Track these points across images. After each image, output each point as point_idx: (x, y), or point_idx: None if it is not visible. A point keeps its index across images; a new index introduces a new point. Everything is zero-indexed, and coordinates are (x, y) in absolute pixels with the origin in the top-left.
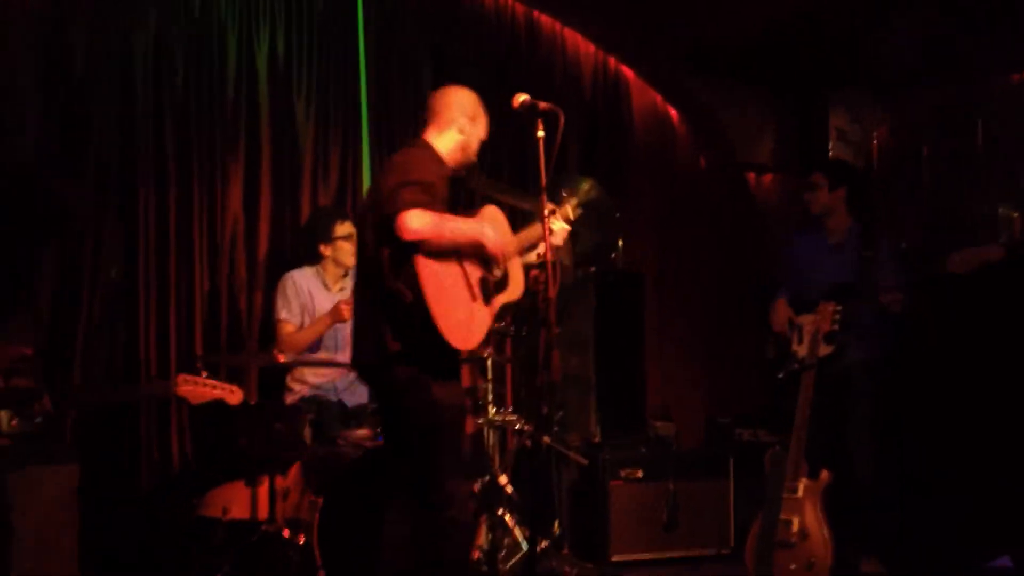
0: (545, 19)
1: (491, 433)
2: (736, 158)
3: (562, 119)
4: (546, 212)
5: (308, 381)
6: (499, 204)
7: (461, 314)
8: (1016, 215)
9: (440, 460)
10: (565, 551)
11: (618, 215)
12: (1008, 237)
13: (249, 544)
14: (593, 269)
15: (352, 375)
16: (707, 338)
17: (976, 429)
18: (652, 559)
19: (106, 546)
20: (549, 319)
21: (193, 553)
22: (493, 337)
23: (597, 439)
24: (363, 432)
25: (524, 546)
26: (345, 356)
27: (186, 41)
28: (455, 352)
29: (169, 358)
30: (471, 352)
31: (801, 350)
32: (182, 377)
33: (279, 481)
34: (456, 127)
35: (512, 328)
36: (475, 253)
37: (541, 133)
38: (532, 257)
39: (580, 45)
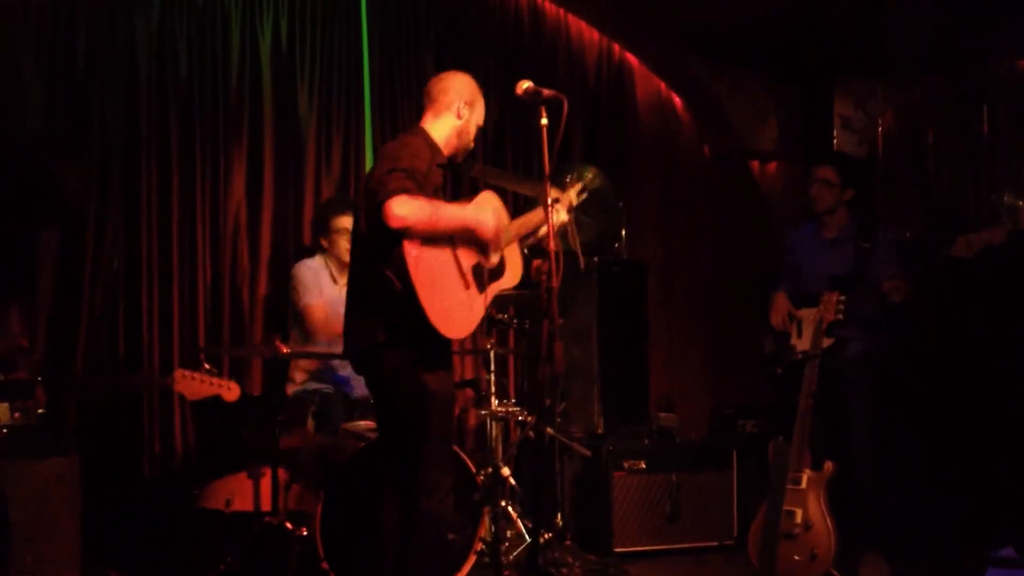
0: (549, 6)
1: (494, 425)
2: (740, 146)
3: (566, 106)
4: (549, 200)
5: (311, 371)
6: (500, 190)
7: (452, 301)
8: (1021, 203)
9: (424, 448)
10: (568, 542)
11: (621, 204)
12: (1012, 224)
13: (252, 536)
14: (596, 259)
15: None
16: (710, 328)
17: (976, 422)
18: (655, 550)
19: (108, 538)
20: (552, 310)
21: (196, 545)
22: (495, 328)
23: (600, 430)
24: (366, 423)
25: (527, 537)
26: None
27: (189, 29)
28: (445, 340)
29: (172, 348)
30: (463, 340)
31: (801, 344)
32: (180, 373)
33: (282, 473)
34: (453, 112)
35: (515, 319)
36: (469, 239)
37: (544, 121)
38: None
39: (584, 33)
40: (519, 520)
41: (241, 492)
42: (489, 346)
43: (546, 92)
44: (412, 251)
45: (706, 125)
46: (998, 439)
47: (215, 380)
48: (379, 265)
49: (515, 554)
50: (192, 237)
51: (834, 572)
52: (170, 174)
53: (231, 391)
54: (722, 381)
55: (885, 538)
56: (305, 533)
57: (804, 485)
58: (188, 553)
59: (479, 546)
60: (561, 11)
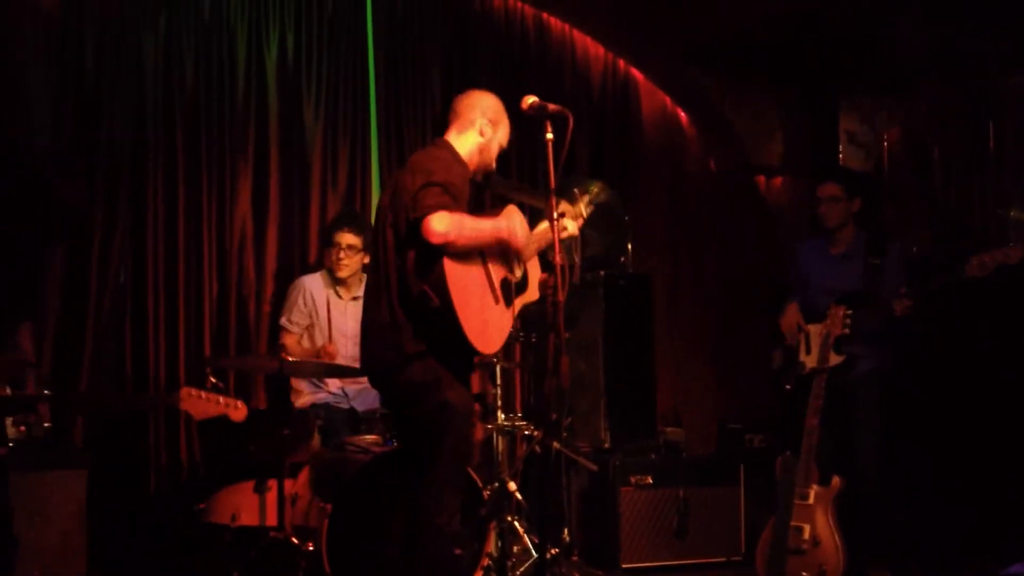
0: (555, 21)
1: (500, 439)
2: (746, 161)
3: (571, 121)
4: (555, 214)
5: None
6: (514, 203)
7: (485, 316)
8: None
9: (441, 462)
10: (575, 558)
11: (627, 218)
12: (1020, 238)
13: (257, 551)
14: (602, 273)
15: (363, 381)
16: (717, 342)
17: (983, 438)
18: (662, 566)
19: (114, 552)
20: (558, 324)
21: (201, 560)
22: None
23: (607, 445)
24: (372, 437)
25: (534, 553)
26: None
27: (196, 43)
28: (473, 355)
29: (178, 361)
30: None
31: (809, 360)
32: (186, 391)
33: (287, 487)
34: (476, 129)
35: (521, 333)
36: (498, 254)
37: (550, 135)
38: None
39: (590, 47)
40: (526, 535)
41: (247, 506)
42: (495, 360)
43: (551, 107)
44: (452, 267)
45: (712, 139)
46: (1006, 453)
47: (222, 399)
48: (413, 280)
49: (522, 570)
50: (198, 251)
51: None
52: (176, 188)
53: (238, 411)
54: (729, 395)
55: (893, 554)
56: (311, 548)
57: (812, 501)
58: (194, 568)
59: (485, 561)
60: (567, 26)
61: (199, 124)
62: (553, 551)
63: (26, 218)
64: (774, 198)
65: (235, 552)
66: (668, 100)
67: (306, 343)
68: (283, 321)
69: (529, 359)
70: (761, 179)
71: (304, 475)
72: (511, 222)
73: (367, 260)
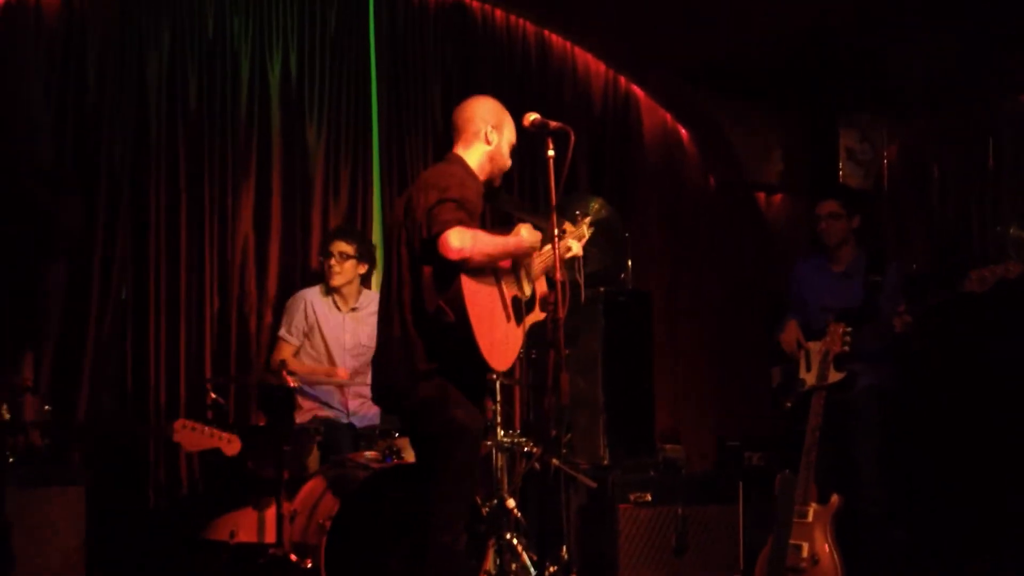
0: (556, 38)
1: (499, 456)
2: (746, 178)
3: (573, 138)
4: (556, 232)
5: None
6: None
7: (499, 334)
8: None
9: (449, 480)
10: (573, 575)
11: (627, 234)
12: (1018, 257)
13: (256, 568)
14: (602, 289)
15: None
16: (716, 359)
17: (984, 453)
18: None
19: (113, 568)
20: (558, 340)
21: None
22: None
23: (606, 462)
24: (371, 453)
25: (532, 570)
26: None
27: (199, 62)
28: (486, 372)
29: (179, 378)
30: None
31: (809, 378)
32: (180, 423)
33: (286, 504)
34: (481, 139)
35: (521, 350)
36: (508, 271)
37: (551, 152)
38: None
39: (591, 64)
40: (524, 552)
41: (246, 524)
42: (495, 376)
43: (553, 124)
44: (468, 283)
45: (712, 157)
46: (1006, 468)
47: (216, 432)
48: (429, 296)
49: None
50: (200, 268)
51: None
52: (178, 205)
53: (231, 444)
54: (728, 412)
55: (892, 572)
56: (309, 565)
57: (811, 518)
58: None
59: None
60: (568, 43)
61: (202, 141)
62: (552, 568)
63: (27, 235)
64: (774, 215)
65: (234, 569)
66: (668, 117)
67: (303, 355)
68: (282, 332)
69: (529, 375)
70: (761, 196)
71: (303, 492)
72: (527, 234)
73: (362, 270)
